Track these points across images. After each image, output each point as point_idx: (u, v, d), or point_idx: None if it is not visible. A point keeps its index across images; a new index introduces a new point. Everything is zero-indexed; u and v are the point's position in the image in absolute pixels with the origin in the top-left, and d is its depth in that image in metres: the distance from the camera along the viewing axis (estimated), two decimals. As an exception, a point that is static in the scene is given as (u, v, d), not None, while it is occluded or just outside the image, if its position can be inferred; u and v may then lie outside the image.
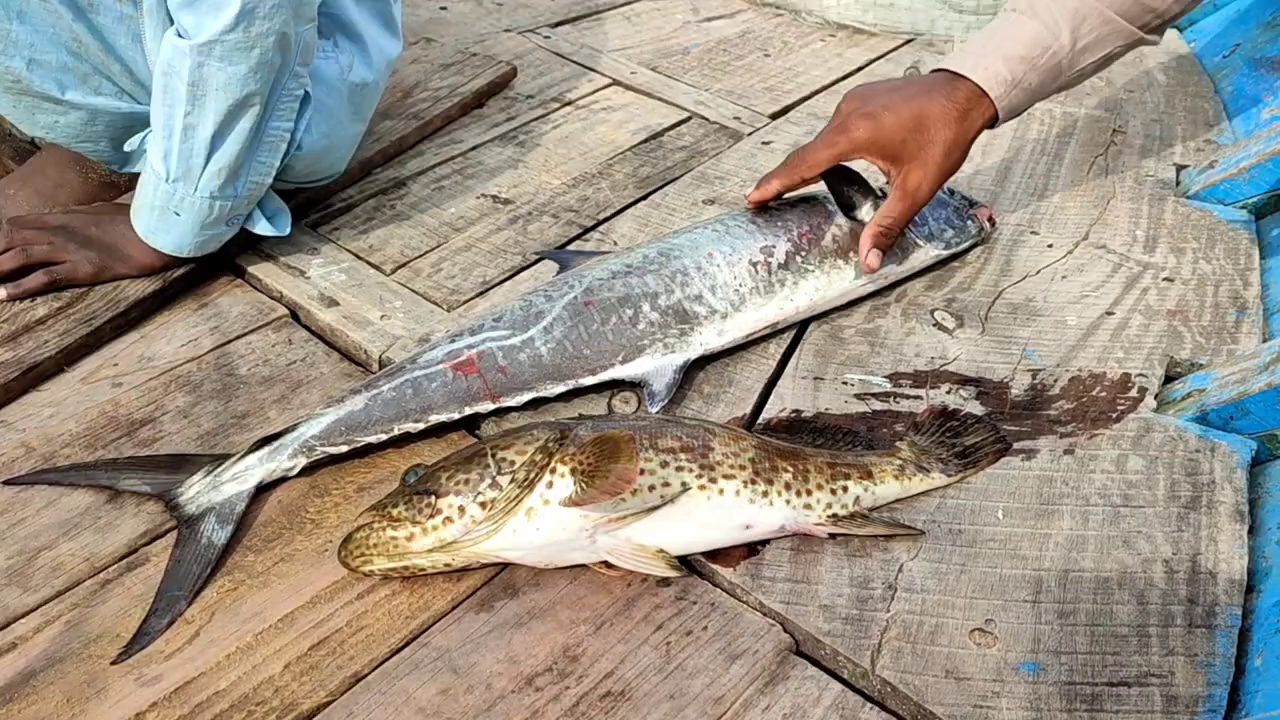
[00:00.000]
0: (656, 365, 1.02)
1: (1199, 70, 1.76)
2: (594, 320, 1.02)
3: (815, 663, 0.81)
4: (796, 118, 1.59)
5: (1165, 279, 1.21)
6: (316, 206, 1.32)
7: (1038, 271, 1.22)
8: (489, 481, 0.82)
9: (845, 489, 0.89)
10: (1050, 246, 1.27)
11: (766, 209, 1.14)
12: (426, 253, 1.25)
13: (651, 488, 0.83)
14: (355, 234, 1.28)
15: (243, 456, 0.92)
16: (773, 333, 1.11)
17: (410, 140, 1.47)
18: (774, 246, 1.09)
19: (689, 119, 1.57)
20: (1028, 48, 1.04)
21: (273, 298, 1.18)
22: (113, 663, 0.79)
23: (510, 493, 0.82)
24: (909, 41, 1.86)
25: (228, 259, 1.21)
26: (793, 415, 1.02)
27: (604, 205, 1.35)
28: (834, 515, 0.88)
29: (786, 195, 1.13)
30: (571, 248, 1.27)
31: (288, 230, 1.21)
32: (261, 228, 1.18)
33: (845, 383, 1.06)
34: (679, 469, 0.84)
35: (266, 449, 0.92)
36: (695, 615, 0.84)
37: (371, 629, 0.82)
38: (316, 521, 0.91)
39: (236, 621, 0.82)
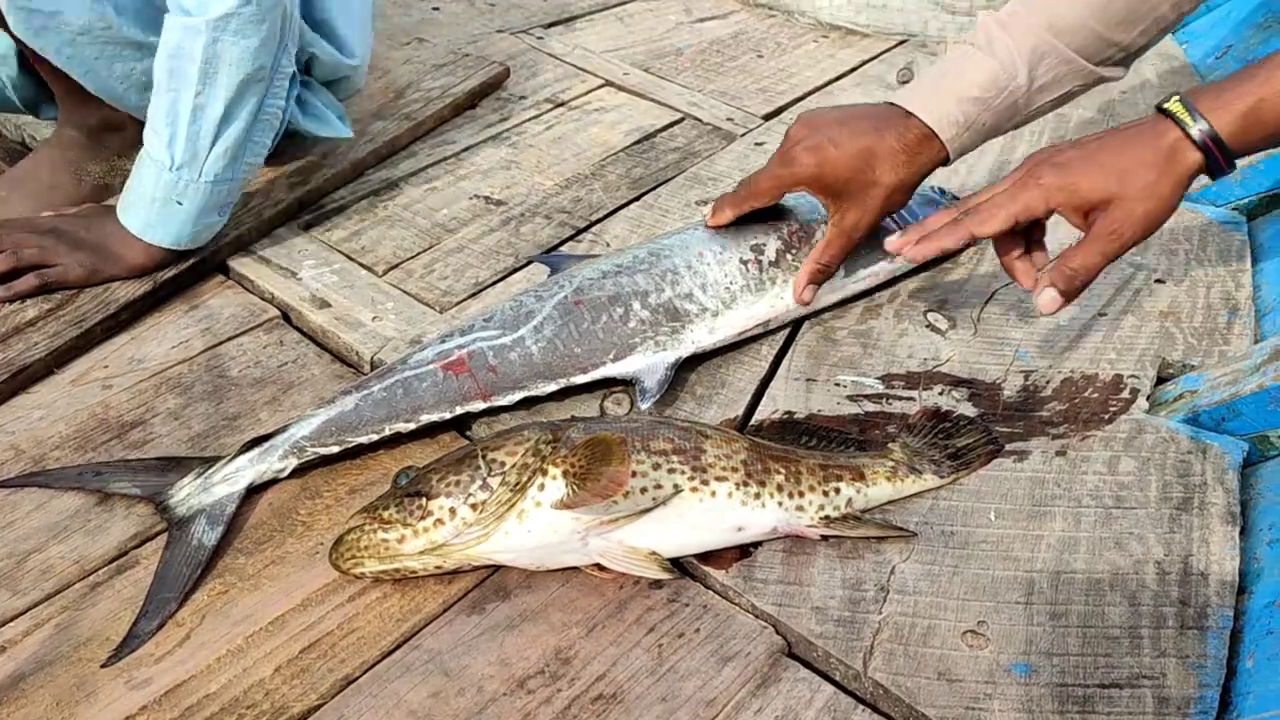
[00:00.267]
0: (648, 363, 1.02)
1: (1192, 72, 1.77)
2: (584, 319, 1.02)
3: (807, 665, 0.81)
4: (789, 119, 1.57)
5: (1157, 280, 1.21)
6: (309, 208, 1.32)
7: (1030, 273, 1.22)
8: (480, 483, 0.82)
9: (837, 491, 0.89)
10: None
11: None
12: (419, 254, 1.25)
13: (644, 490, 0.83)
14: (347, 235, 1.27)
15: (233, 458, 0.92)
16: (765, 333, 1.11)
17: (402, 141, 1.46)
18: (764, 244, 1.09)
19: (682, 120, 1.57)
20: (983, 88, 1.00)
21: (264, 299, 1.18)
22: (103, 666, 0.78)
23: (502, 495, 0.81)
24: (902, 43, 1.86)
25: (219, 261, 1.21)
26: (785, 417, 1.02)
27: (597, 206, 1.35)
28: (826, 517, 0.88)
29: None
30: (564, 249, 1.27)
31: (349, 131, 1.32)
32: (332, 129, 1.28)
33: (838, 384, 1.06)
34: (671, 471, 0.84)
35: (257, 450, 0.92)
36: (687, 617, 0.83)
37: (363, 631, 0.82)
38: (308, 524, 0.91)
39: (227, 624, 0.82)
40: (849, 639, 0.81)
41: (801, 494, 0.87)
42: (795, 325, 1.13)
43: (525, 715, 0.76)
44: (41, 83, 1.27)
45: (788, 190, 1.05)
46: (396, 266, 1.22)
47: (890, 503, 0.92)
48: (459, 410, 0.98)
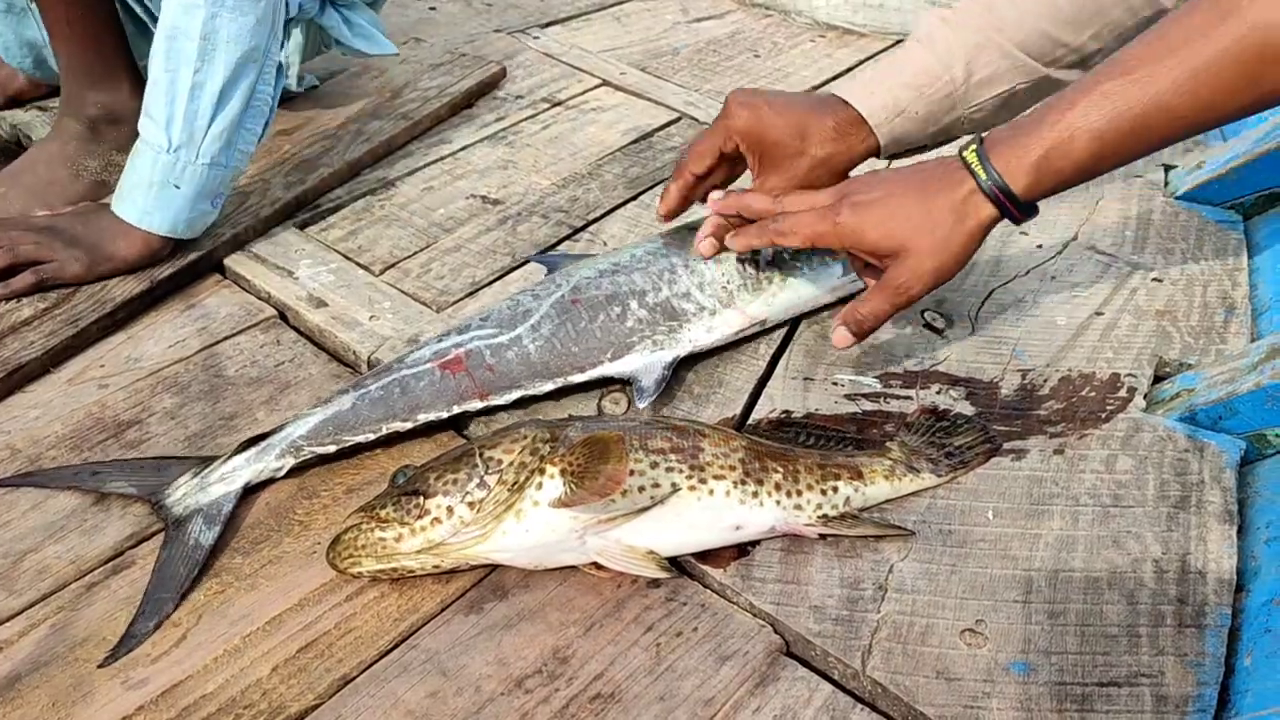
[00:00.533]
0: (645, 362, 1.02)
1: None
2: (582, 318, 1.02)
3: (806, 664, 0.81)
4: (786, 118, 1.58)
5: (1154, 279, 1.21)
6: (305, 207, 1.32)
7: (1027, 272, 1.22)
8: (477, 481, 0.82)
9: (835, 489, 0.89)
10: (1039, 247, 1.27)
11: None
12: (415, 253, 1.24)
13: (641, 489, 0.83)
14: (344, 235, 1.27)
15: (230, 457, 0.91)
16: (762, 332, 1.11)
17: (399, 141, 1.46)
18: (764, 246, 1.09)
19: (679, 119, 1.57)
20: (915, 75, 1.01)
21: (261, 298, 1.17)
22: (99, 666, 0.78)
23: (499, 494, 0.81)
24: (898, 42, 1.86)
25: (215, 260, 1.21)
26: (783, 416, 1.02)
27: (594, 206, 1.35)
28: (824, 516, 0.88)
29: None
30: (561, 248, 1.27)
31: (395, 49, 1.41)
32: (379, 46, 1.38)
33: (835, 383, 1.06)
34: (669, 470, 0.84)
35: (254, 449, 0.92)
36: (685, 616, 0.83)
37: (360, 631, 0.82)
38: (305, 523, 0.91)
39: (224, 624, 0.82)
40: (847, 638, 0.81)
41: (799, 493, 0.87)
42: (793, 324, 1.13)
43: (523, 715, 0.76)
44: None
45: (723, 144, 1.05)
46: (393, 266, 1.22)
47: (888, 501, 0.92)
48: (456, 409, 0.97)
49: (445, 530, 0.81)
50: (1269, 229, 1.29)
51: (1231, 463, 0.96)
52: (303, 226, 1.28)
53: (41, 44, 1.36)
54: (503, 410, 1.00)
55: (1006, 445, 0.98)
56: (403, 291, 1.17)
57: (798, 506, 0.87)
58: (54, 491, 0.92)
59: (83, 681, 0.77)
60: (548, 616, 0.83)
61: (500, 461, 0.83)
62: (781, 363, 1.08)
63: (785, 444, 0.93)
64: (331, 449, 0.94)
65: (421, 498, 0.82)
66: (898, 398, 1.04)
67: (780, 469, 0.88)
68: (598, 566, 0.85)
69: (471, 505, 0.81)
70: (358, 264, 1.22)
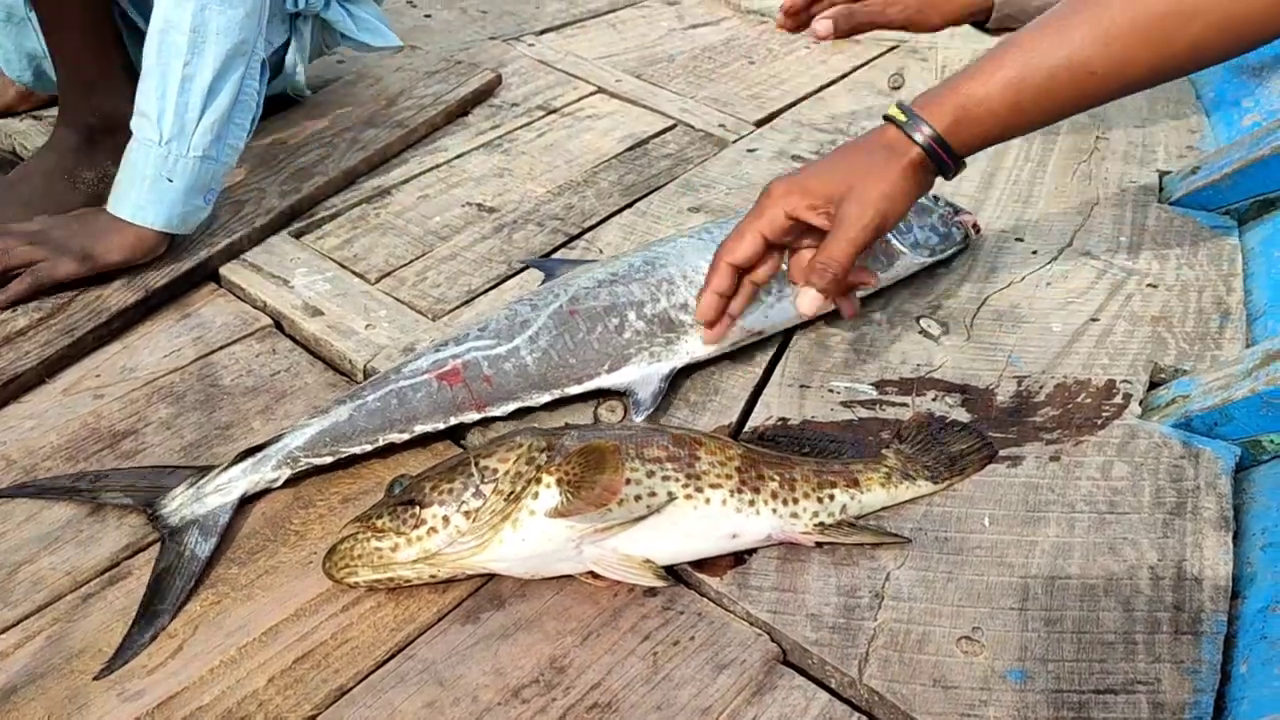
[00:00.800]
0: (642, 374, 1.02)
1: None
2: (579, 329, 1.02)
3: (803, 672, 0.81)
4: (781, 125, 1.59)
5: (1149, 285, 1.21)
6: (300, 215, 1.32)
7: (1022, 278, 1.23)
8: (472, 490, 0.82)
9: (832, 497, 0.89)
10: (1034, 253, 1.27)
11: None
12: (411, 261, 1.24)
13: (638, 497, 0.83)
14: (339, 243, 1.27)
15: (226, 468, 0.91)
16: (758, 340, 1.11)
17: (394, 149, 1.46)
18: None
19: (674, 126, 1.57)
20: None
21: (256, 307, 1.17)
22: (95, 678, 0.78)
23: (495, 504, 0.81)
24: (893, 49, 1.87)
25: (210, 269, 1.21)
26: (779, 423, 1.01)
27: (589, 213, 1.35)
28: (821, 524, 0.88)
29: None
30: (557, 256, 1.27)
31: (399, 41, 1.46)
32: (384, 39, 1.43)
33: (831, 390, 1.06)
34: (665, 478, 0.84)
35: (250, 460, 0.92)
36: (682, 625, 0.83)
37: (356, 641, 0.81)
38: (301, 533, 0.91)
39: (220, 635, 0.82)
40: (844, 646, 0.81)
41: (796, 500, 0.87)
42: (788, 332, 1.13)
43: (520, 725, 0.76)
44: None
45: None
46: (389, 274, 1.22)
47: (884, 509, 0.92)
48: (453, 421, 0.97)
49: (441, 540, 0.81)
50: (1263, 234, 1.30)
51: (1227, 469, 0.96)
52: (298, 235, 1.28)
53: (41, 55, 1.37)
54: (499, 421, 1.00)
55: (1002, 452, 0.98)
56: (398, 300, 1.17)
57: (794, 514, 0.87)
58: (49, 502, 0.92)
59: (78, 694, 0.77)
60: (545, 626, 0.83)
61: (496, 471, 0.83)
62: (777, 370, 1.08)
63: (781, 452, 0.93)
64: (328, 460, 0.94)
65: (417, 507, 0.82)
66: (893, 405, 1.04)
67: (776, 477, 0.88)
68: (594, 575, 0.85)
69: (467, 515, 0.81)
70: (353, 272, 1.22)
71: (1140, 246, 1.29)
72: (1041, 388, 1.06)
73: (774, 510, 0.86)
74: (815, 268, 0.93)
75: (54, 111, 1.31)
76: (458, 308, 1.17)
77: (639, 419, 0.99)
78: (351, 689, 0.78)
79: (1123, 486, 0.94)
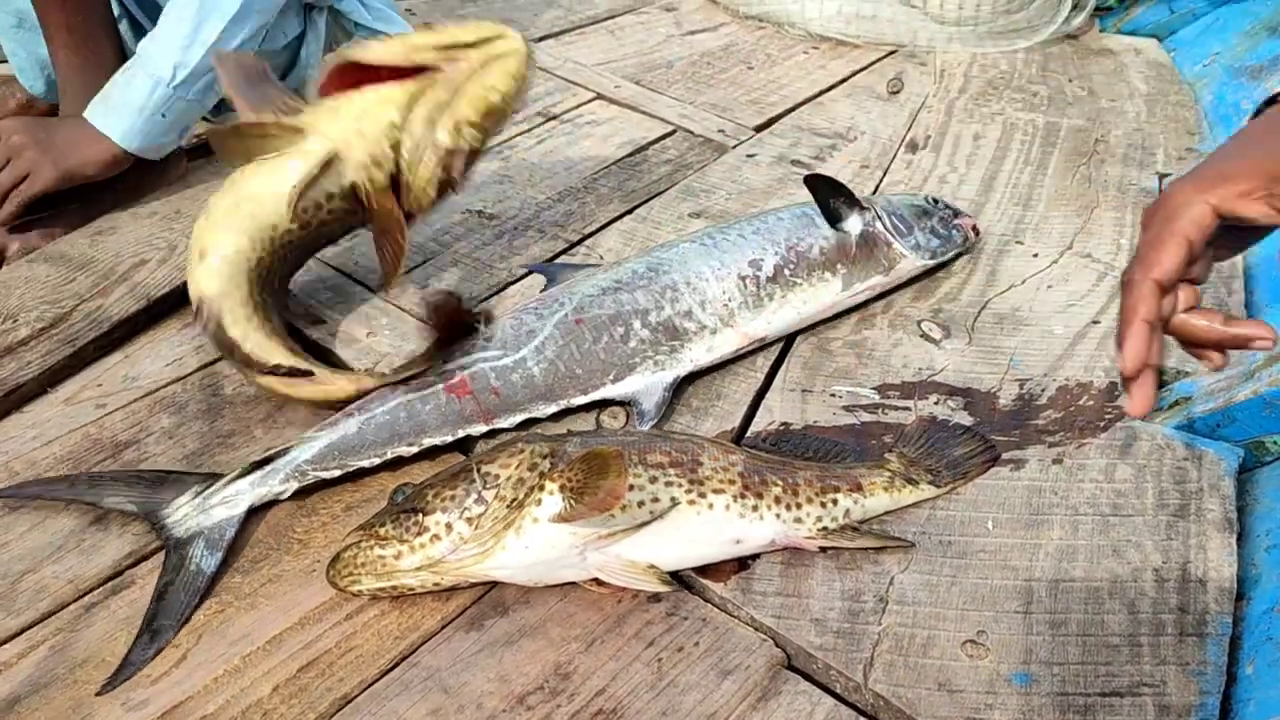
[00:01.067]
0: (646, 384, 1.02)
1: (1179, 79, 1.78)
2: (586, 339, 1.02)
3: (807, 677, 0.81)
4: (780, 130, 1.59)
5: (1150, 287, 1.21)
6: (301, 224, 1.32)
7: (1023, 281, 1.23)
8: (475, 497, 0.82)
9: (835, 502, 0.89)
10: (1035, 256, 1.27)
11: (751, 221, 1.14)
12: (412, 269, 1.24)
13: (641, 503, 0.83)
14: (340, 250, 1.27)
15: (233, 480, 0.91)
16: (760, 346, 1.11)
17: (395, 156, 1.46)
18: (761, 260, 1.09)
19: (673, 132, 1.57)
20: None
21: (258, 316, 1.17)
22: (97, 694, 0.77)
23: (497, 511, 0.81)
24: (891, 53, 1.87)
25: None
26: (781, 428, 1.01)
27: (589, 219, 1.35)
28: (824, 528, 0.88)
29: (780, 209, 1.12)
30: (558, 262, 1.27)
31: (410, 28, 1.44)
32: (396, 25, 1.45)
33: (833, 395, 1.06)
34: (668, 484, 0.84)
35: (258, 473, 0.91)
36: (686, 631, 0.83)
37: (361, 650, 0.81)
38: (304, 542, 0.91)
39: (224, 644, 0.82)
40: (849, 650, 0.81)
41: (799, 505, 0.87)
42: (790, 337, 1.13)
43: (525, 732, 0.76)
44: None
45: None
46: (390, 282, 1.22)
47: (888, 513, 0.92)
48: (461, 433, 0.97)
49: (444, 547, 0.81)
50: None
51: (1230, 470, 0.96)
52: (299, 243, 1.28)
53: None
54: (506, 433, 1.00)
55: (1005, 455, 0.98)
56: (400, 307, 1.17)
57: (797, 519, 0.87)
58: (52, 511, 0.92)
59: (82, 704, 0.77)
60: (549, 633, 0.83)
61: (498, 477, 0.83)
62: (779, 375, 1.08)
63: (784, 457, 0.93)
64: (336, 473, 0.94)
65: (420, 515, 0.82)
66: (896, 409, 1.04)
67: (779, 482, 0.88)
68: (598, 582, 0.85)
69: (470, 522, 0.81)
70: (355, 280, 1.22)
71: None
72: (1043, 390, 1.06)
73: (777, 515, 0.86)
74: None
75: (58, 114, 1.31)
76: (459, 315, 1.17)
77: (643, 429, 0.99)
78: (356, 697, 0.78)
79: (1126, 489, 0.94)
